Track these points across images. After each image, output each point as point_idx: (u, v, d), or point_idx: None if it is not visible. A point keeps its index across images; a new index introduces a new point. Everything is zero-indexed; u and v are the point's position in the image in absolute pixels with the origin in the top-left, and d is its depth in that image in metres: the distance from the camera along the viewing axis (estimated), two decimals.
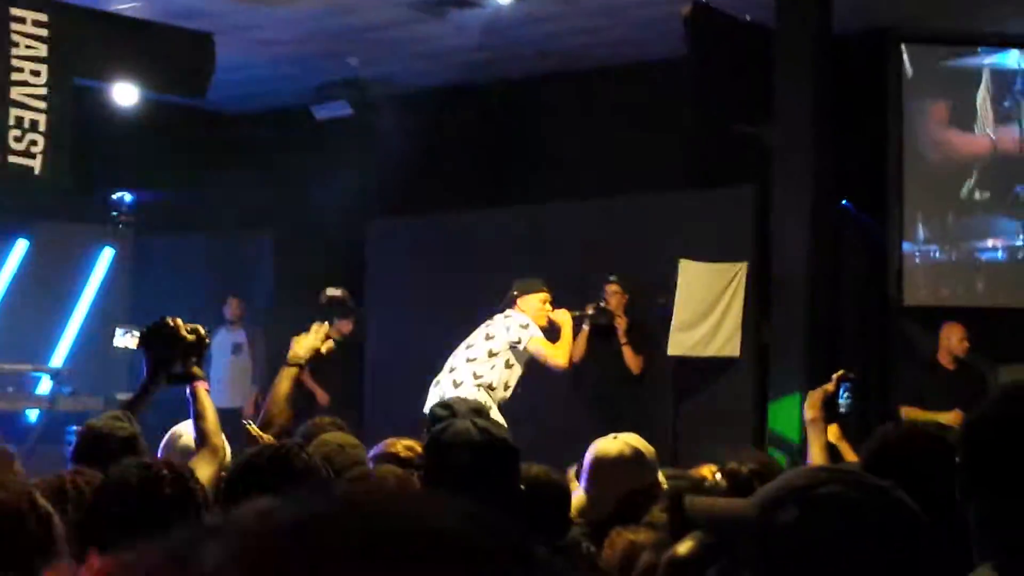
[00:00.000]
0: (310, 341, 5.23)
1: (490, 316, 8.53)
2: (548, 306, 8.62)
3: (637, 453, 4.28)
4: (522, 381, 8.41)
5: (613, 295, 10.71)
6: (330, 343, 5.42)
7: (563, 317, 8.63)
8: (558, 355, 8.40)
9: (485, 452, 3.37)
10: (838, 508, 1.65)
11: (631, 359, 10.65)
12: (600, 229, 11.33)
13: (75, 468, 3.61)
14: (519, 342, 8.27)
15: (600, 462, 4.25)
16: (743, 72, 10.01)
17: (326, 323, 5.48)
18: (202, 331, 4.44)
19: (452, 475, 3.33)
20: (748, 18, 10.02)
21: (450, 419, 3.61)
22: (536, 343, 8.32)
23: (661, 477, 4.52)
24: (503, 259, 11.73)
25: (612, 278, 10.73)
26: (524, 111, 12.02)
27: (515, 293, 8.63)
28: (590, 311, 10.60)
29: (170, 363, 4.40)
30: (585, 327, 10.62)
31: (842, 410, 4.79)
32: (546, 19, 10.41)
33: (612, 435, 4.41)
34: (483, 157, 12.11)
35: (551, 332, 8.44)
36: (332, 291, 11.98)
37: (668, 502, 3.86)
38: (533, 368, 8.67)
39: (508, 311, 8.48)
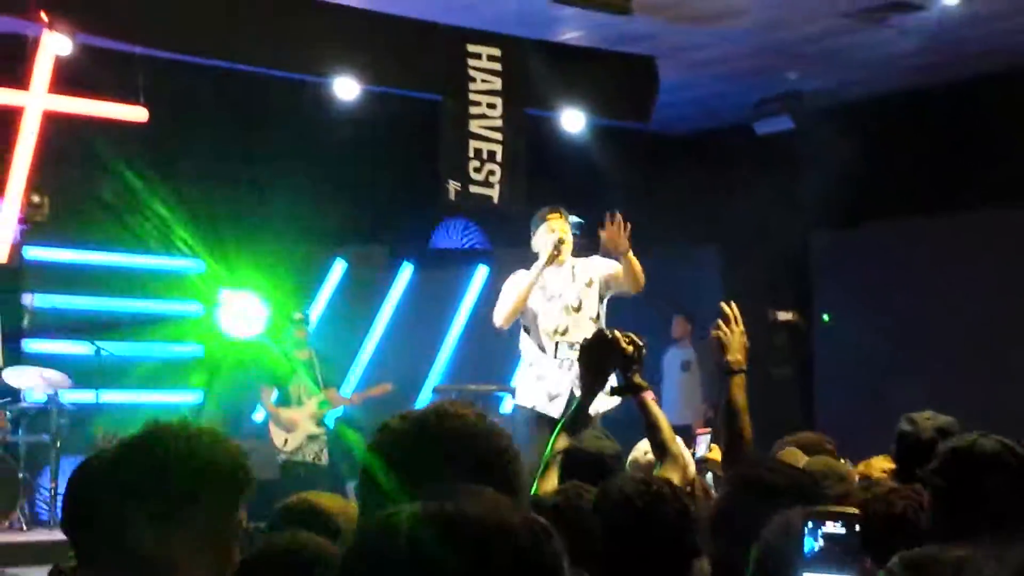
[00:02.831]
0: (737, 339, 4.76)
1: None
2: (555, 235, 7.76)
3: None
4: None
5: None
6: (741, 332, 4.90)
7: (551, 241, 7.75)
8: (495, 313, 7.90)
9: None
10: None
11: None
12: None
13: (573, 483, 3.70)
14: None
15: None
16: None
17: (732, 304, 4.98)
18: (640, 342, 4.40)
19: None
20: None
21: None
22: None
23: None
24: (955, 266, 11.38)
25: None
26: (972, 114, 11.60)
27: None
28: None
29: (606, 372, 4.40)
30: None
31: None
32: (993, 17, 10.04)
33: None
34: (930, 163, 11.77)
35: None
36: (783, 315, 11.97)
37: None
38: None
39: None
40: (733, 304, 4.78)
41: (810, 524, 2.50)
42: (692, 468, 4.68)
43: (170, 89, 10.12)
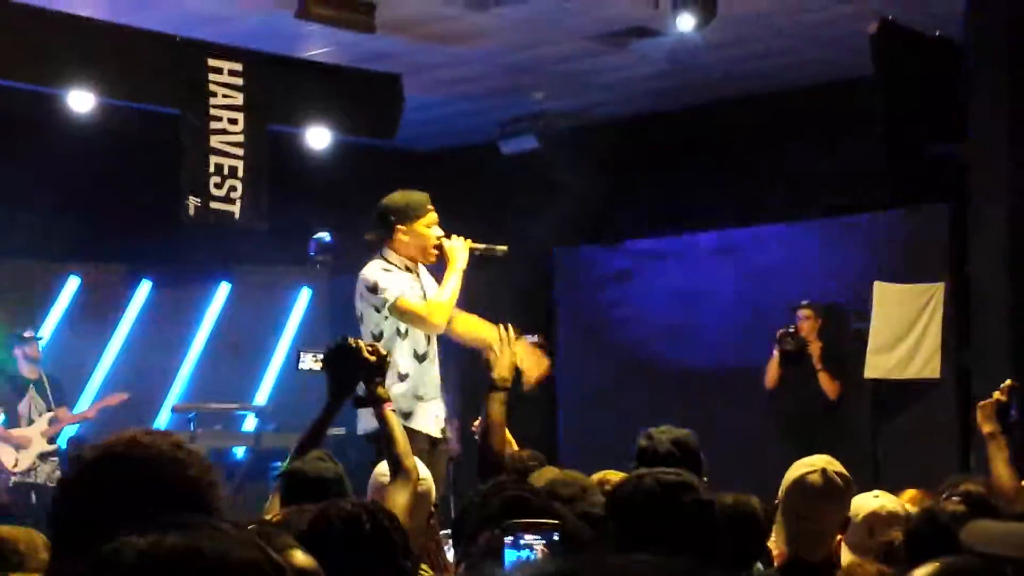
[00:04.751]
0: (507, 358, 5.14)
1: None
2: (437, 231, 6.48)
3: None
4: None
5: (805, 320, 10.59)
6: (513, 353, 5.24)
7: (456, 248, 6.49)
8: (434, 312, 6.35)
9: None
10: None
11: (827, 384, 10.50)
12: (791, 253, 11.21)
13: (295, 508, 3.64)
14: (379, 310, 6.40)
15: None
16: (934, 89, 9.80)
17: (509, 327, 5.30)
18: (383, 352, 4.44)
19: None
20: (937, 33, 9.82)
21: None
22: (402, 306, 6.32)
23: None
24: (693, 286, 11.70)
25: (804, 303, 10.60)
26: (711, 136, 11.96)
27: (393, 220, 6.44)
28: (780, 337, 10.50)
29: (351, 384, 4.42)
30: (775, 352, 10.52)
31: (1012, 419, 4.66)
32: (729, 44, 10.36)
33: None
34: (671, 184, 12.09)
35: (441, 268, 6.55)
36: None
37: (920, 518, 3.74)
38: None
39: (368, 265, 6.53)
40: (511, 327, 5.17)
41: (510, 538, 2.54)
42: (428, 483, 4.69)
43: None
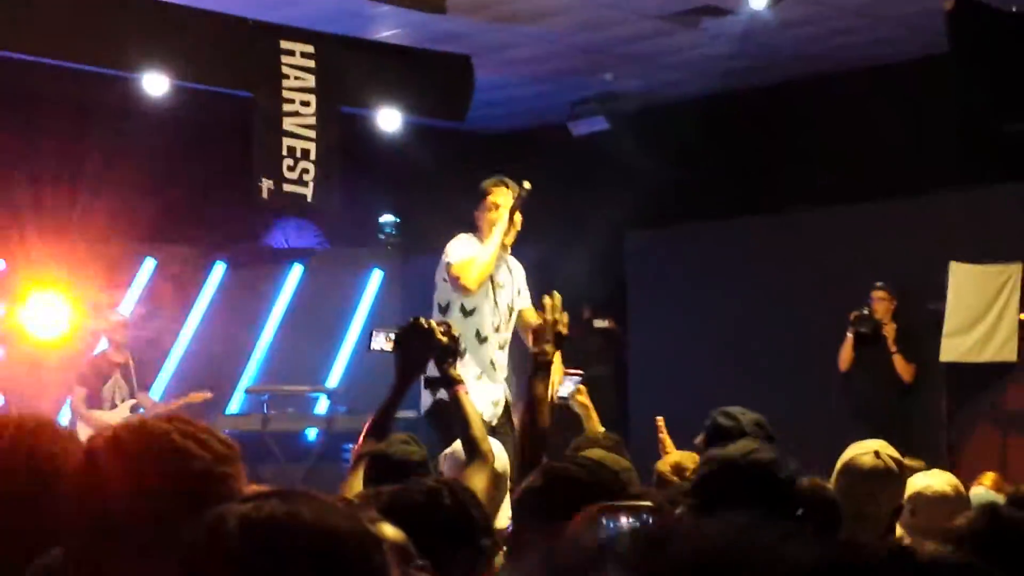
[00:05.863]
0: (548, 330, 4.66)
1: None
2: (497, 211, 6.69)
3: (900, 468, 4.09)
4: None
5: (880, 301, 10.48)
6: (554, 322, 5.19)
7: (499, 217, 6.69)
8: (463, 272, 6.52)
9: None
10: None
11: (902, 367, 10.39)
12: (866, 233, 11.09)
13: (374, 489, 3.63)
14: (446, 279, 6.64)
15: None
16: (1011, 66, 9.63)
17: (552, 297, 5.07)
18: (455, 333, 4.40)
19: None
20: (1014, 9, 9.64)
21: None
22: (450, 268, 6.59)
23: None
24: (766, 267, 11.61)
25: (879, 284, 10.49)
26: (783, 116, 11.85)
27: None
28: (854, 319, 10.40)
29: (422, 364, 4.38)
30: (849, 335, 10.43)
31: None
32: (802, 22, 10.26)
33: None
34: (742, 165, 11.99)
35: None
36: (599, 323, 12.08)
37: (983, 515, 3.69)
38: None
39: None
40: (555, 293, 4.64)
41: (603, 519, 2.53)
42: (503, 463, 4.66)
43: None
